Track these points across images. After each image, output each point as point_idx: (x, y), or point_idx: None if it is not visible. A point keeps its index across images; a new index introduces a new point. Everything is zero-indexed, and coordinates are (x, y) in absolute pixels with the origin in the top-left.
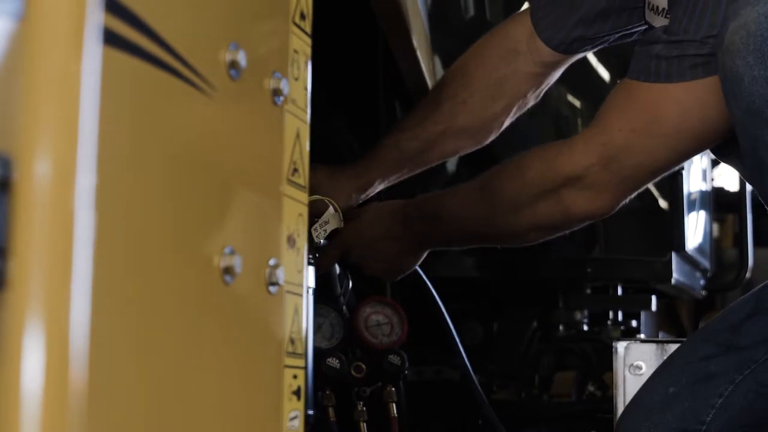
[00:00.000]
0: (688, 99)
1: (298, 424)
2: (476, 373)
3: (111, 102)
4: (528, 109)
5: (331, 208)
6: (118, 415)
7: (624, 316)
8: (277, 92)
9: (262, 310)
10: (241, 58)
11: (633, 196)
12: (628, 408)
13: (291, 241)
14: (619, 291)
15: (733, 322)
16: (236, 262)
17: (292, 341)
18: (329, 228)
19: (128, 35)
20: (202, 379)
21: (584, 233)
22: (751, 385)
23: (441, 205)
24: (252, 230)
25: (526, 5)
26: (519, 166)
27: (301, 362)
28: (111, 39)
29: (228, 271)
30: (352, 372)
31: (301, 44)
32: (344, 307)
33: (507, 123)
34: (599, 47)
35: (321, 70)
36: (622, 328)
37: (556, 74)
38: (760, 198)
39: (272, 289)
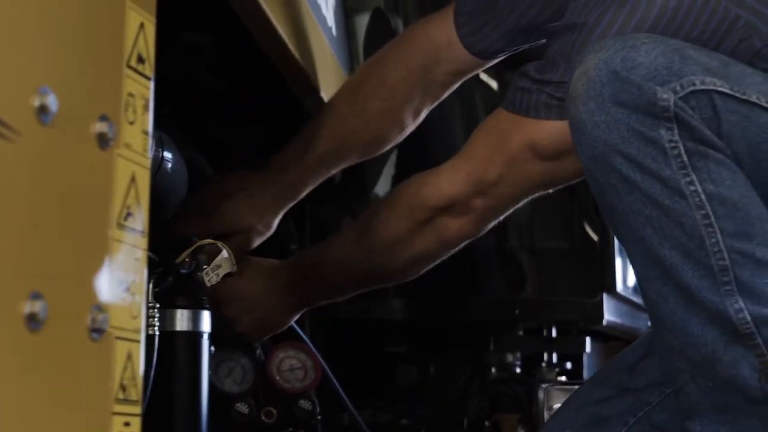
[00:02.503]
0: (545, 137)
1: None
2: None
3: None
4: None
5: (224, 252)
6: None
7: (559, 357)
8: (102, 137)
9: (81, 358)
10: (52, 102)
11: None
12: None
13: (122, 286)
14: (554, 333)
15: (628, 364)
16: (41, 307)
17: (123, 388)
18: (222, 272)
19: None
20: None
21: (514, 275)
22: (645, 426)
23: (320, 256)
24: (68, 275)
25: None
26: (391, 203)
27: (135, 409)
28: None
29: (32, 318)
30: (263, 417)
31: (139, 87)
32: (259, 351)
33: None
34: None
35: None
36: (557, 370)
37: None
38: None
39: (95, 335)
